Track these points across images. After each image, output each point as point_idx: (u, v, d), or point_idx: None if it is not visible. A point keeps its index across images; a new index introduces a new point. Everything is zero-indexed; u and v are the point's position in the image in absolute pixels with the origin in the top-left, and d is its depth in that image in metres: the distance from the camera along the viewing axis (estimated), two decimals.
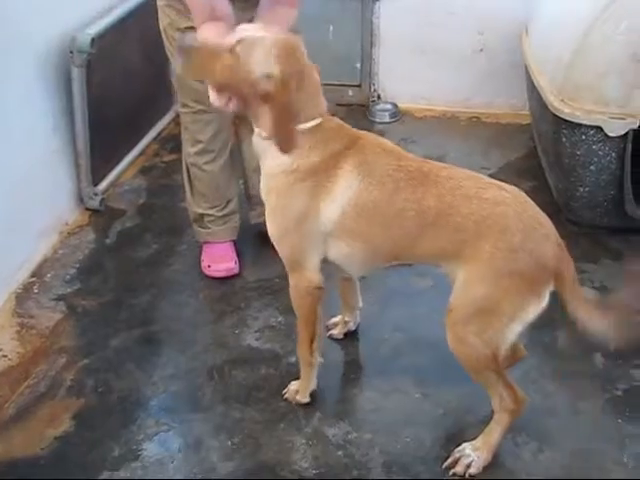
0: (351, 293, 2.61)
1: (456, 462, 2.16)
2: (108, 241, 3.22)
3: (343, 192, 2.09)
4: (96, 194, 3.33)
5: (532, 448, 2.22)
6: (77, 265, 3.05)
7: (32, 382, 2.50)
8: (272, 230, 2.22)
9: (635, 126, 2.78)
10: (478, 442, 2.18)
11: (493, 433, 2.17)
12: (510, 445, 2.23)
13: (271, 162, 2.13)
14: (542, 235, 2.00)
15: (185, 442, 2.28)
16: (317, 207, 2.10)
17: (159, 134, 3.99)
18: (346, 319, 2.66)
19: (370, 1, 4.05)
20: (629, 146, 2.81)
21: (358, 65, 4.20)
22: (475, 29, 4.00)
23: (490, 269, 1.98)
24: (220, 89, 2.09)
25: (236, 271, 2.97)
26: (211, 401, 2.42)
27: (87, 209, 3.36)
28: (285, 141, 2.04)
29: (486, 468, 2.14)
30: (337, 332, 2.66)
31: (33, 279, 2.96)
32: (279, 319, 2.75)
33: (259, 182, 2.56)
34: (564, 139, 2.92)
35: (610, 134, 2.81)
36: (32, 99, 3.00)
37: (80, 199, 3.33)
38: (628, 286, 2.07)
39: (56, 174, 3.21)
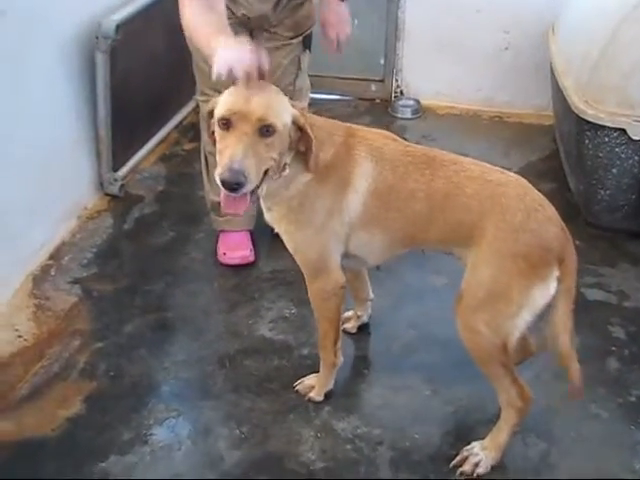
0: (361, 286, 2.62)
1: (464, 461, 2.16)
2: (126, 227, 3.23)
3: (362, 179, 2.12)
4: (116, 180, 3.34)
5: (541, 450, 2.22)
6: (94, 250, 3.07)
7: (46, 363, 2.52)
8: (297, 242, 2.21)
9: None
10: (487, 441, 2.17)
11: (501, 432, 2.16)
12: (519, 445, 2.22)
13: (296, 184, 2.10)
14: (544, 217, 2.01)
15: (194, 429, 2.30)
16: (342, 200, 2.12)
17: (180, 122, 4.00)
18: (359, 313, 2.66)
19: None
20: None
21: (382, 60, 4.19)
22: (501, 27, 3.98)
23: (493, 250, 2.00)
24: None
25: (251, 259, 2.98)
26: (222, 389, 2.43)
27: (106, 194, 3.38)
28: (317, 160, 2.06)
29: (494, 467, 2.13)
30: (351, 326, 2.66)
31: (51, 262, 2.98)
32: (293, 311, 2.76)
33: None
34: (587, 141, 2.90)
35: (634, 137, 2.78)
36: (56, 84, 3.02)
37: (100, 184, 3.36)
38: None
39: (77, 159, 3.23)
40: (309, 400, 2.39)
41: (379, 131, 2.23)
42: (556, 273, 1.99)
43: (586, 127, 2.87)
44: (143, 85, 3.49)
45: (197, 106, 4.12)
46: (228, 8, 2.47)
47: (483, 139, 3.95)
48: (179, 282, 2.92)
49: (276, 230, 2.27)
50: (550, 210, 2.04)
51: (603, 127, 2.82)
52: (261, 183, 1.98)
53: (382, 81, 4.25)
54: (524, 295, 1.98)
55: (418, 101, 4.15)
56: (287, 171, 2.07)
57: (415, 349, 2.58)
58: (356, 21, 4.08)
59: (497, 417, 2.20)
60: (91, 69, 3.13)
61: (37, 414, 2.35)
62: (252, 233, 3.07)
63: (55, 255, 3.02)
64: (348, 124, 2.23)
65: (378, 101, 4.30)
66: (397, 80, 4.23)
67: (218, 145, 1.96)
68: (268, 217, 2.25)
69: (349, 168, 2.11)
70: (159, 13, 3.46)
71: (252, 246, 3.01)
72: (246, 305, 2.79)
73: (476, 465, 2.14)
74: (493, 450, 2.15)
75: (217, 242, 3.05)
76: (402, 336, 2.64)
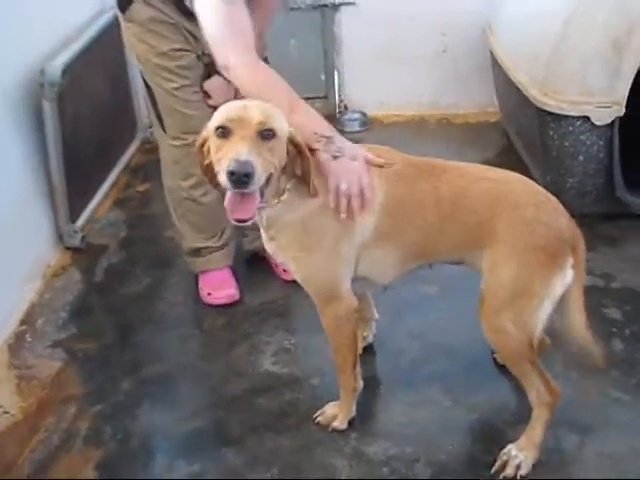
0: (366, 307, 2.57)
1: (504, 465, 2.13)
2: (96, 279, 3.08)
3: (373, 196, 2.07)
4: (75, 231, 3.19)
5: (574, 441, 2.22)
6: (67, 308, 2.91)
7: (43, 436, 2.35)
8: (306, 269, 2.14)
9: (621, 113, 2.83)
10: (522, 442, 2.15)
11: (536, 429, 2.14)
12: (551, 441, 2.20)
13: (300, 208, 2.04)
14: (553, 208, 2.04)
15: (222, 478, 2.18)
16: (355, 220, 2.06)
17: (127, 165, 3.87)
18: (364, 334, 2.61)
19: (330, 11, 4.05)
20: (616, 133, 2.87)
21: (323, 77, 4.18)
22: (437, 31, 4.05)
23: (510, 247, 1.99)
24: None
25: (237, 297, 2.89)
26: (240, 433, 2.32)
27: (67, 248, 3.21)
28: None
29: (534, 467, 2.11)
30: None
31: (23, 327, 2.81)
32: (292, 341, 2.68)
33: None
34: (551, 132, 2.96)
35: (597, 123, 2.86)
36: (2, 136, 2.85)
37: (59, 238, 3.19)
38: None
39: (33, 215, 3.06)
40: (333, 430, 2.31)
41: (376, 146, 2.20)
42: (571, 261, 2.02)
43: (549, 119, 2.94)
44: (90, 129, 3.36)
45: (142, 145, 4.05)
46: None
47: (434, 143, 4.00)
48: (165, 329, 2.79)
49: (279, 260, 2.20)
50: (555, 201, 2.07)
51: (566, 117, 2.89)
52: (265, 190, 1.90)
53: (325, 97, 4.24)
54: (545, 286, 1.98)
55: (364, 113, 4.16)
56: (286, 196, 2.01)
57: (423, 361, 2.55)
58: (293, 41, 4.10)
59: (523, 415, 2.20)
60: (38, 118, 2.98)
61: None
62: (232, 269, 2.98)
63: (27, 320, 2.84)
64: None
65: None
66: (340, 95, 4.24)
67: (214, 156, 1.88)
68: (270, 248, 2.16)
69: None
70: (98, 55, 3.36)
71: (236, 282, 2.93)
72: (243, 343, 2.69)
73: (518, 467, 2.12)
74: (531, 449, 2.14)
75: (197, 283, 2.94)
76: (408, 350, 2.60)
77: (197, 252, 2.90)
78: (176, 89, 2.58)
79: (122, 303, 2.94)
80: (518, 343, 2.03)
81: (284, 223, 2.06)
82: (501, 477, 2.12)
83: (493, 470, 2.13)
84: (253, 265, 3.08)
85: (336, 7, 4.06)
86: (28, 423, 2.41)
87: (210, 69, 2.56)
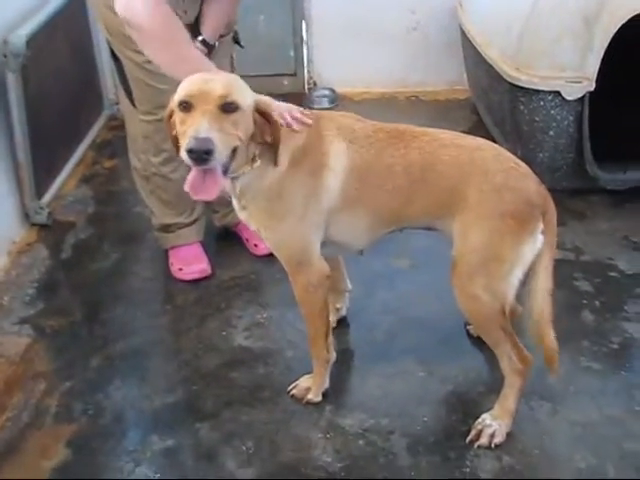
0: (339, 277, 2.56)
1: (479, 434, 2.15)
2: (63, 256, 3.02)
3: (337, 159, 2.10)
4: (42, 208, 3.11)
5: (547, 410, 2.25)
6: (35, 285, 2.84)
7: (12, 414, 2.30)
8: (278, 235, 2.14)
9: (592, 88, 2.86)
10: (496, 410, 2.18)
11: (509, 398, 2.17)
12: (525, 410, 2.24)
13: (270, 174, 2.05)
14: (522, 174, 2.05)
15: (197, 454, 2.16)
16: (320, 183, 2.08)
17: (94, 141, 3.79)
18: (337, 306, 2.60)
19: None
20: (586, 108, 2.89)
21: (292, 53, 4.14)
22: (407, 8, 4.03)
23: (480, 213, 2.01)
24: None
25: (209, 272, 2.85)
26: (214, 408, 2.30)
27: (34, 225, 3.14)
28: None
29: (509, 437, 2.14)
30: (330, 320, 2.58)
31: None
32: (264, 315, 2.67)
33: None
34: (522, 107, 2.98)
35: (568, 98, 2.88)
36: None
37: (25, 215, 3.11)
38: None
39: None
40: (307, 402, 2.31)
41: (344, 113, 2.22)
42: (541, 226, 2.04)
43: (520, 93, 2.95)
44: (55, 104, 3.27)
45: (109, 121, 3.97)
46: None
47: (403, 119, 3.78)
48: (137, 305, 2.75)
49: (252, 228, 2.18)
50: (525, 167, 2.09)
51: (537, 91, 2.91)
52: (230, 164, 1.89)
53: (294, 74, 4.20)
54: (515, 252, 2.00)
55: (333, 90, 4.14)
56: (258, 163, 2.01)
57: (397, 334, 2.55)
58: (262, 17, 4.05)
59: (496, 385, 2.23)
60: (1, 90, 2.87)
61: (19, 470, 2.13)
62: (203, 244, 2.94)
63: None
64: (315, 112, 2.19)
65: (292, 95, 4.19)
66: (309, 72, 4.20)
67: (179, 129, 1.88)
68: (243, 216, 2.16)
69: (323, 149, 2.09)
70: (62, 25, 3.27)
71: (207, 257, 2.89)
72: (215, 317, 2.67)
73: (492, 436, 2.14)
74: (505, 417, 2.16)
75: (168, 258, 2.90)
76: (381, 323, 2.60)
77: (167, 228, 2.85)
78: (148, 62, 2.50)
79: (91, 279, 2.88)
80: (490, 309, 2.05)
81: (255, 191, 2.06)
82: (476, 446, 2.14)
83: (468, 439, 2.15)
84: (224, 240, 3.04)
85: None
86: None
87: None
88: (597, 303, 2.65)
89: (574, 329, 2.53)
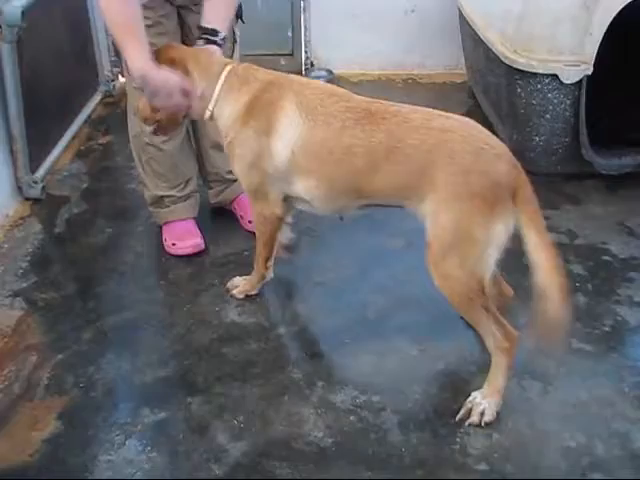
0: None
1: (469, 412, 2.16)
2: (57, 230, 3.01)
3: (288, 131, 2.22)
4: (35, 182, 3.10)
5: (538, 389, 2.25)
6: (28, 258, 2.83)
7: (3, 386, 2.29)
8: (235, 170, 2.43)
9: (589, 72, 2.85)
10: (486, 389, 2.19)
11: (497, 376, 2.18)
12: (517, 389, 2.25)
13: (225, 118, 2.32)
14: (492, 155, 2.04)
15: (188, 427, 2.15)
16: (267, 145, 2.25)
17: (89, 116, 3.77)
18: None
19: None
20: (583, 92, 2.89)
21: (289, 33, 4.12)
22: None
23: (448, 195, 2.03)
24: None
25: (203, 247, 2.85)
26: (206, 382, 2.30)
27: (27, 199, 3.13)
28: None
29: (499, 414, 2.14)
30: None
31: None
32: (257, 291, 2.65)
33: (219, 158, 2.86)
34: (519, 90, 2.97)
35: (565, 81, 2.88)
36: None
37: (19, 189, 3.10)
38: None
39: None
40: (231, 296, 2.60)
41: (322, 86, 2.31)
42: (512, 206, 2.03)
43: (517, 76, 2.95)
44: (51, 77, 3.26)
45: (104, 97, 3.95)
46: None
47: (400, 101, 3.91)
48: (130, 279, 2.74)
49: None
50: (498, 147, 2.08)
51: (535, 74, 2.90)
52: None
53: (291, 54, 4.18)
54: (487, 232, 2.02)
55: (330, 71, 4.12)
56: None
57: (390, 313, 2.55)
58: None
59: (488, 364, 2.22)
60: None
61: (9, 441, 2.12)
62: (197, 221, 2.93)
63: None
64: (292, 77, 2.35)
65: None
66: (307, 52, 4.19)
67: None
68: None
69: (273, 116, 2.22)
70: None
71: (200, 233, 2.88)
72: (208, 293, 2.67)
73: (482, 414, 2.15)
74: (494, 396, 2.17)
75: (161, 234, 2.89)
76: (374, 302, 2.61)
77: (160, 201, 2.85)
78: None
79: (84, 253, 2.87)
80: (466, 288, 2.07)
81: (231, 134, 2.34)
82: (467, 424, 2.15)
83: (458, 417, 2.16)
84: (218, 217, 3.04)
85: None
86: None
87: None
88: (590, 286, 2.66)
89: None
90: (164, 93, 2.28)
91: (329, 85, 2.37)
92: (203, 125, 2.78)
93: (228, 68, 2.31)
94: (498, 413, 2.16)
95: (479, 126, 2.13)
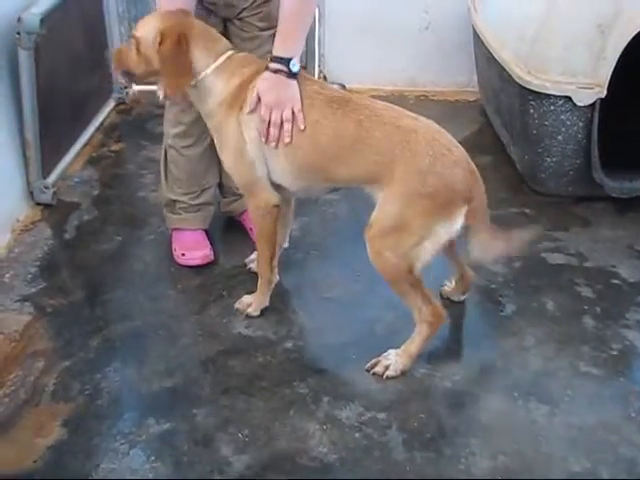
0: (281, 232, 2.65)
1: (377, 364, 2.37)
2: (67, 236, 3.01)
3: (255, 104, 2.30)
4: (47, 187, 3.10)
5: (544, 412, 2.25)
6: (37, 263, 2.83)
7: (9, 391, 2.29)
8: (224, 162, 2.48)
9: (603, 95, 2.85)
10: (400, 350, 2.38)
11: (414, 343, 2.37)
12: (523, 412, 2.25)
13: (209, 102, 2.37)
14: (451, 161, 2.18)
15: (193, 439, 2.15)
16: (240, 123, 2.32)
17: (102, 123, 3.78)
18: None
19: None
20: (596, 115, 2.89)
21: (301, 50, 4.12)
22: (420, 7, 4.02)
23: (402, 190, 2.18)
24: (141, 72, 2.40)
25: (212, 258, 2.85)
26: (212, 394, 2.30)
27: (38, 204, 3.13)
28: (170, 84, 2.34)
29: (505, 436, 2.15)
30: (254, 265, 2.75)
31: None
32: (266, 303, 2.65)
33: None
34: (532, 110, 2.98)
35: (579, 104, 2.88)
36: None
37: (30, 194, 3.10)
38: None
39: (4, 168, 2.96)
40: (247, 316, 2.57)
41: (311, 77, 2.47)
42: (463, 211, 2.20)
43: (530, 97, 2.95)
44: (66, 84, 3.27)
45: (117, 105, 3.97)
46: None
47: None
48: (139, 288, 2.74)
49: None
50: (458, 154, 2.21)
51: (548, 96, 2.90)
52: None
53: (304, 68, 4.14)
54: (426, 229, 2.19)
55: (343, 85, 4.11)
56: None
57: (398, 329, 2.51)
58: None
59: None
60: (13, 68, 2.87)
61: (13, 447, 2.13)
62: (207, 231, 2.93)
63: None
64: None
65: None
66: (320, 66, 4.18)
67: None
68: None
69: (244, 96, 2.31)
70: (76, 7, 3.26)
71: (210, 244, 2.89)
72: (216, 304, 2.66)
73: (386, 368, 2.35)
74: (404, 357, 2.37)
75: (171, 243, 2.89)
76: (383, 318, 2.60)
77: (172, 205, 2.86)
78: None
79: (94, 260, 2.87)
80: (395, 268, 2.25)
81: (203, 114, 2.45)
82: (371, 373, 2.37)
83: (366, 367, 2.37)
84: (229, 229, 3.04)
85: None
86: None
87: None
88: (598, 309, 2.65)
89: (574, 334, 2.54)
90: None
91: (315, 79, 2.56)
92: None
93: (230, 52, 2.34)
94: (504, 434, 2.17)
95: (444, 132, 2.27)
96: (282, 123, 2.27)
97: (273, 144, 2.30)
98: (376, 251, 2.25)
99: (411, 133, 2.18)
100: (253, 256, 2.77)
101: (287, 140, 2.27)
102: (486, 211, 2.31)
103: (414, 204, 2.16)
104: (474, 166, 2.25)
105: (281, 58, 2.27)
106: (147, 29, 2.32)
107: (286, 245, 2.79)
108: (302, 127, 2.25)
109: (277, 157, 2.34)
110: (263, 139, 2.31)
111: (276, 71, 2.27)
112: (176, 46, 2.26)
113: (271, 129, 2.27)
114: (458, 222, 2.20)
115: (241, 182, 2.47)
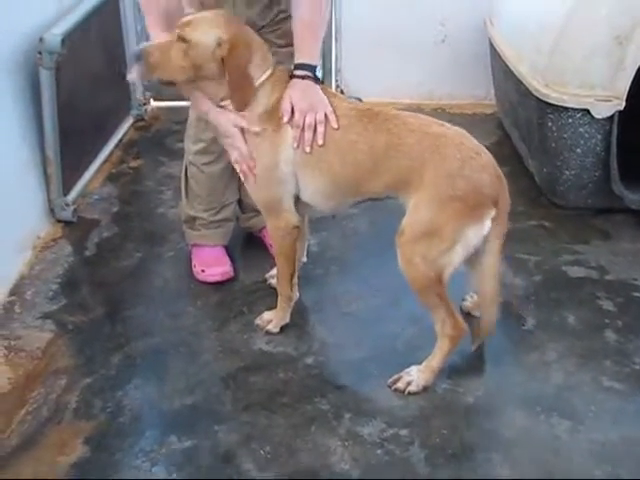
0: (302, 228, 2.65)
1: (399, 379, 2.37)
2: (87, 253, 3.03)
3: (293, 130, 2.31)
4: (67, 205, 3.13)
5: (566, 427, 2.23)
6: (58, 280, 2.86)
7: (31, 408, 2.31)
8: (247, 182, 2.43)
9: (621, 107, 2.85)
10: (422, 366, 2.38)
11: (435, 358, 2.37)
12: (545, 427, 2.23)
13: (258, 106, 2.32)
14: (479, 164, 2.22)
15: (215, 455, 2.15)
16: (280, 142, 2.32)
17: (121, 140, 3.82)
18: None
19: None
20: (615, 127, 2.88)
21: (320, 60, 4.13)
22: (437, 20, 4.05)
23: (433, 194, 2.21)
24: (183, 80, 2.30)
25: (232, 274, 2.86)
26: (233, 410, 2.30)
27: (59, 221, 3.16)
28: (240, 99, 2.29)
29: (527, 450, 2.14)
30: (275, 281, 2.73)
31: (13, 298, 2.75)
32: (286, 321, 2.66)
33: None
34: (550, 123, 2.97)
35: (597, 116, 2.87)
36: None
37: (51, 211, 3.13)
38: None
39: (25, 186, 3.00)
40: (267, 333, 2.58)
41: (332, 91, 2.55)
42: (491, 214, 2.23)
43: (549, 110, 2.95)
44: (86, 101, 3.31)
45: (136, 121, 4.01)
46: None
47: None
48: (159, 304, 2.75)
49: None
50: (485, 158, 2.26)
51: (567, 109, 2.90)
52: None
53: (322, 82, 4.19)
54: (458, 232, 2.20)
55: (360, 99, 4.12)
56: (226, 103, 2.32)
57: (420, 345, 2.50)
58: None
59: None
60: (35, 87, 2.91)
61: (35, 464, 2.13)
62: (226, 247, 2.95)
63: (16, 291, 2.79)
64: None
65: None
66: (337, 80, 4.21)
67: None
68: None
69: (280, 111, 2.31)
70: (96, 26, 3.30)
71: (230, 261, 2.90)
72: (236, 320, 2.67)
73: (408, 384, 2.35)
74: (426, 373, 2.37)
75: (191, 259, 2.91)
76: (405, 333, 2.59)
77: (192, 221, 2.88)
78: None
79: (114, 277, 2.89)
80: (425, 276, 2.26)
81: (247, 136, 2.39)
82: (392, 388, 2.36)
83: (389, 382, 2.37)
84: (248, 245, 3.05)
85: None
86: (16, 395, 2.36)
87: None
88: (620, 323, 2.63)
89: (596, 349, 2.52)
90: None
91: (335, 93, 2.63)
92: None
93: (273, 66, 2.34)
94: (526, 450, 2.15)
95: (472, 138, 2.30)
96: (316, 126, 2.28)
97: (308, 156, 2.29)
98: (407, 258, 2.26)
99: (440, 138, 2.23)
100: (273, 271, 2.77)
101: (320, 142, 2.27)
102: (506, 218, 2.32)
103: (445, 208, 2.18)
104: (500, 171, 2.28)
105: (305, 65, 2.34)
106: (204, 33, 2.22)
107: (304, 259, 2.80)
108: (335, 126, 2.27)
109: (311, 176, 2.34)
110: (295, 145, 2.29)
111: (303, 77, 2.32)
112: (245, 57, 2.24)
113: (305, 133, 2.28)
114: (487, 225, 2.22)
115: (263, 201, 2.44)
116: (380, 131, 2.26)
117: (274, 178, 2.36)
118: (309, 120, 2.27)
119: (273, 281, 2.77)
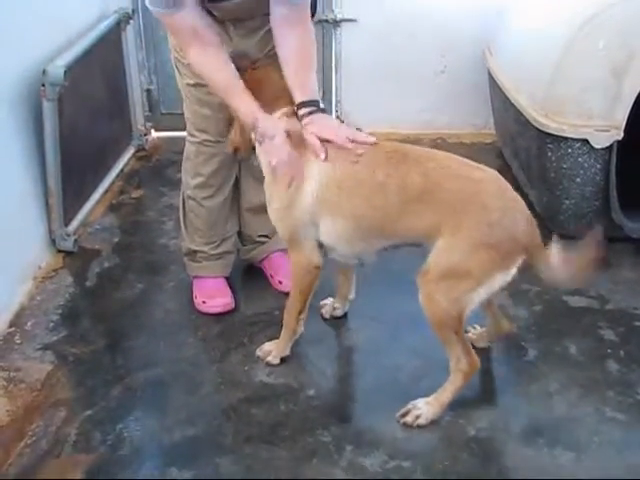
0: (345, 284, 2.75)
1: (407, 413, 2.34)
2: (88, 283, 3.03)
3: (318, 167, 2.28)
4: (68, 235, 3.14)
5: (570, 458, 2.21)
6: (59, 311, 2.85)
7: (30, 441, 2.28)
8: (271, 215, 2.45)
9: (620, 137, 2.87)
10: (431, 399, 2.35)
11: (446, 392, 2.34)
12: (549, 458, 2.21)
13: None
14: (518, 212, 2.22)
15: None
16: (298, 186, 2.30)
17: (122, 170, 3.84)
18: (336, 305, 2.79)
19: (331, 27, 4.07)
20: (614, 157, 2.90)
21: (320, 91, 4.16)
22: (436, 51, 4.09)
23: (468, 240, 2.17)
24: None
25: (233, 306, 2.85)
26: (235, 442, 2.28)
27: (59, 251, 3.16)
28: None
29: None
30: (324, 311, 2.81)
31: (12, 329, 2.74)
32: (287, 352, 2.65)
33: (252, 222, 2.91)
34: (549, 153, 2.99)
35: (596, 146, 2.89)
36: (2, 137, 2.81)
37: (52, 241, 3.13)
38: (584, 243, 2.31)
39: (26, 216, 3.01)
40: (267, 364, 2.56)
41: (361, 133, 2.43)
42: (519, 261, 2.21)
43: (548, 140, 2.97)
44: (87, 132, 3.33)
45: (137, 151, 4.03)
46: None
47: None
48: (160, 335, 2.74)
49: None
50: (522, 205, 2.25)
51: (566, 139, 2.92)
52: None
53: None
54: (486, 276, 2.19)
55: (360, 130, 4.16)
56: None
57: (422, 376, 2.51)
58: None
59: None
60: (37, 119, 2.94)
61: None
62: (227, 278, 2.94)
63: (16, 321, 2.78)
64: None
65: None
66: (337, 111, 4.24)
67: None
68: None
69: (307, 156, 2.29)
70: (98, 58, 3.35)
71: (231, 292, 2.89)
72: (237, 352, 2.66)
73: (417, 417, 2.33)
74: (435, 406, 2.34)
75: (192, 290, 2.91)
76: (407, 365, 2.58)
77: (193, 254, 2.88)
78: (191, 85, 2.58)
79: (115, 308, 2.89)
80: (446, 314, 2.23)
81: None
82: (401, 422, 2.33)
83: (397, 415, 2.33)
84: (249, 276, 3.05)
85: (337, 23, 4.08)
86: (15, 427, 2.34)
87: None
88: (622, 353, 2.62)
89: (599, 379, 2.51)
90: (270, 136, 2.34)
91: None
92: (246, 186, 2.85)
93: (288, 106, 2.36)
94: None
95: (505, 182, 2.28)
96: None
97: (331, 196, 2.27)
98: (428, 294, 2.23)
99: (481, 184, 2.20)
100: (327, 300, 2.81)
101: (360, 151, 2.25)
102: (544, 248, 2.27)
103: (478, 253, 2.15)
104: (530, 214, 2.25)
105: (307, 102, 2.32)
106: None
107: (340, 313, 2.80)
108: (371, 140, 2.27)
109: (333, 218, 2.32)
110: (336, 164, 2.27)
111: (311, 112, 2.32)
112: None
113: (349, 145, 2.25)
114: (513, 272, 2.21)
115: (286, 236, 2.43)
116: (414, 173, 2.20)
117: (294, 214, 2.34)
118: (345, 133, 2.28)
119: (323, 310, 2.81)
